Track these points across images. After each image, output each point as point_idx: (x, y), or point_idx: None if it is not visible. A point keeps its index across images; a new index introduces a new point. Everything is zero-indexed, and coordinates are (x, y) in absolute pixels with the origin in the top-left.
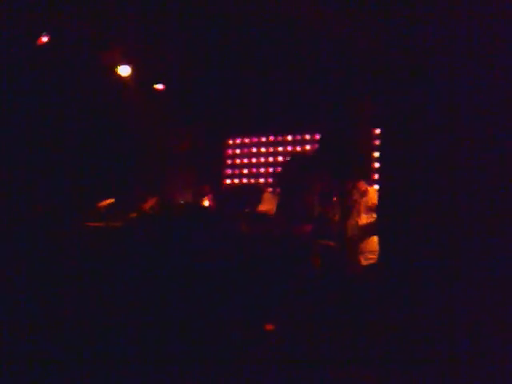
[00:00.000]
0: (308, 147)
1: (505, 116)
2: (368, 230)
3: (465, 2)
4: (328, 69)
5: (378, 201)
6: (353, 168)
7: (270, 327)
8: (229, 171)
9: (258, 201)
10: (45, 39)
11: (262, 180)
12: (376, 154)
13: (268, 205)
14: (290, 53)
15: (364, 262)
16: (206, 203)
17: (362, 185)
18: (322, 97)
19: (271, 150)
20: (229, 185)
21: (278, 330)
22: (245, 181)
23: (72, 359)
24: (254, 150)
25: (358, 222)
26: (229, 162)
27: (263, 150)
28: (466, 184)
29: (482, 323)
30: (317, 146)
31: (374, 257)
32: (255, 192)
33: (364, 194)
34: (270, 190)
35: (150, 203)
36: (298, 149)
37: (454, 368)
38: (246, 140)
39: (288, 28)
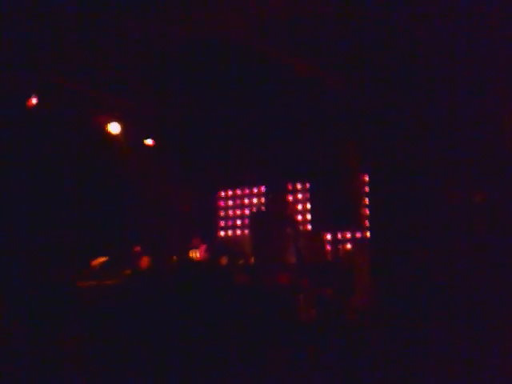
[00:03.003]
0: (300, 196)
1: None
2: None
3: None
4: (315, 118)
5: (370, 247)
6: (345, 216)
7: None
8: (222, 223)
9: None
10: (34, 101)
11: None
12: (366, 201)
13: None
14: (277, 105)
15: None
16: (197, 255)
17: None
18: (310, 145)
19: (263, 200)
20: (222, 237)
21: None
22: (238, 232)
23: None
24: (246, 200)
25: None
26: (222, 213)
27: (255, 200)
28: (462, 231)
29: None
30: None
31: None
32: (248, 244)
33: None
34: None
35: (144, 260)
36: (290, 198)
37: None
38: (238, 191)
39: (273, 81)
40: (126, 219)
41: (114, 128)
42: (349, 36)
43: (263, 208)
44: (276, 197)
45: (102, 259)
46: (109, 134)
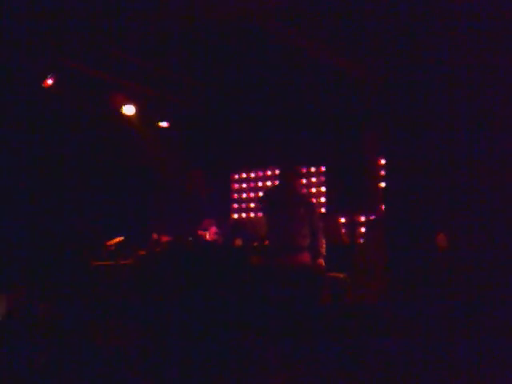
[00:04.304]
0: (314, 179)
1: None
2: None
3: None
4: (331, 101)
5: (386, 229)
6: (360, 200)
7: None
8: (235, 205)
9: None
10: (50, 81)
11: None
12: (382, 185)
13: None
14: (293, 87)
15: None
16: (208, 237)
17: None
18: (326, 129)
19: (277, 183)
20: (236, 219)
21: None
22: (252, 215)
23: None
24: (260, 183)
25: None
26: (235, 196)
27: (269, 183)
28: (478, 210)
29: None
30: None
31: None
32: (262, 226)
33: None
34: None
35: (159, 241)
36: (304, 181)
37: None
38: (252, 174)
39: (290, 64)
40: (141, 200)
41: (129, 110)
42: (370, 21)
43: (276, 189)
44: (289, 178)
45: (118, 239)
46: (124, 116)
